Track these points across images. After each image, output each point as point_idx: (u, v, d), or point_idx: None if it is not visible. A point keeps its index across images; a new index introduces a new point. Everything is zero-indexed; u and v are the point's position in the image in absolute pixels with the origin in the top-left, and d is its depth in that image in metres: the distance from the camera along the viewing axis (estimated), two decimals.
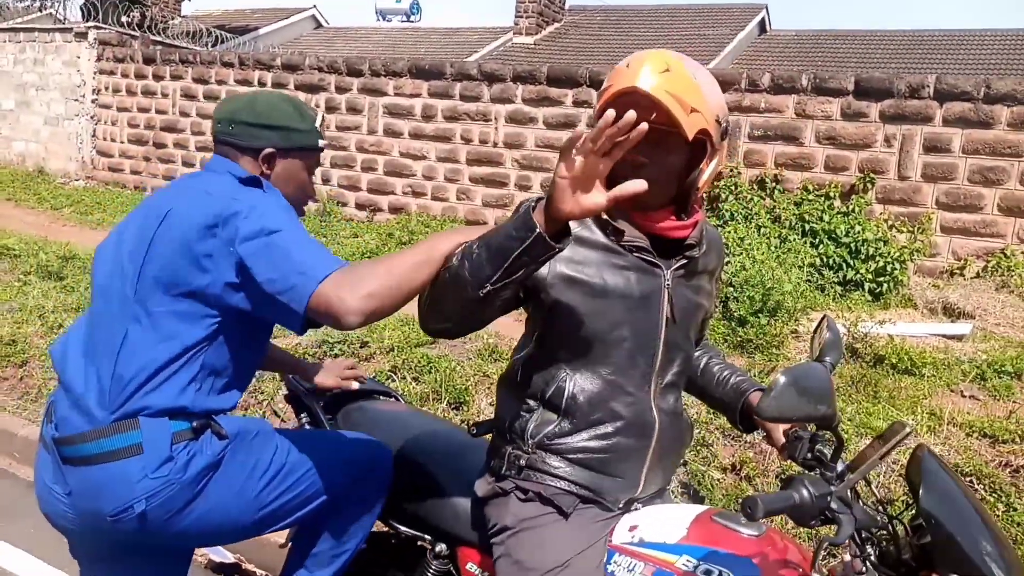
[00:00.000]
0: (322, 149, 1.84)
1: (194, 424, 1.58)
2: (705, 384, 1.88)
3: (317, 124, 1.79)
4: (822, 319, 1.62)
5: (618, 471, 1.59)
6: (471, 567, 1.74)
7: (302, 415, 2.17)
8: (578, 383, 1.56)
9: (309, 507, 1.80)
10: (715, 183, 7.64)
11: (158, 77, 11.09)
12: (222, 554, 3.29)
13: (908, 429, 1.36)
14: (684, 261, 1.59)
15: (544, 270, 1.47)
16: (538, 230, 1.28)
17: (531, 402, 1.60)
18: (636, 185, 1.26)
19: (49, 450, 1.61)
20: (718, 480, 3.43)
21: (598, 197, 1.27)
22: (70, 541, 1.73)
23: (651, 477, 1.64)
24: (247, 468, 1.65)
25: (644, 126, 1.21)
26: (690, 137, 1.44)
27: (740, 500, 1.29)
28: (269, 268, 1.48)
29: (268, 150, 1.74)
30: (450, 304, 1.43)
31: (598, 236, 1.54)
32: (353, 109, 9.70)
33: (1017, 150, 6.62)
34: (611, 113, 1.18)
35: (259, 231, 1.51)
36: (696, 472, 3.45)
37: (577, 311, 1.53)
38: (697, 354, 1.91)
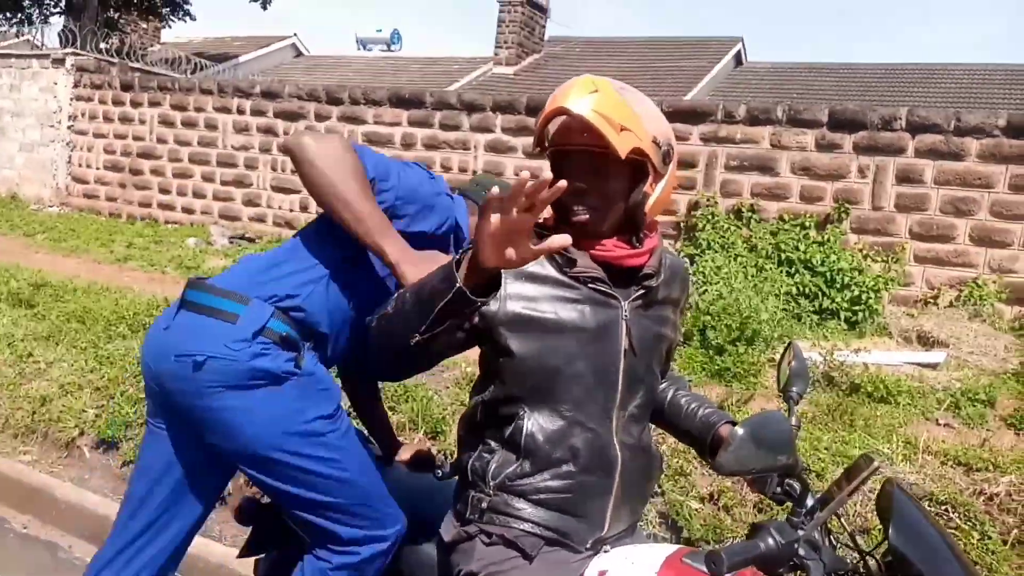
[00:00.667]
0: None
1: (286, 334, 1.68)
2: (672, 416, 1.84)
3: None
4: (787, 346, 1.62)
5: (582, 510, 1.56)
6: None
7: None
8: (536, 421, 1.53)
9: (307, 496, 1.75)
10: (692, 212, 7.71)
11: (136, 104, 11.05)
12: None
13: (875, 463, 1.35)
14: (642, 291, 1.57)
15: (495, 307, 1.47)
16: (457, 285, 1.26)
17: (492, 443, 1.58)
18: (561, 240, 1.21)
19: (176, 302, 1.77)
20: (696, 510, 3.41)
21: (524, 251, 1.23)
22: (148, 394, 1.83)
23: (617, 515, 1.60)
24: (295, 406, 1.69)
25: (562, 183, 1.18)
26: (623, 156, 1.42)
27: (704, 555, 1.27)
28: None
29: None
30: (388, 352, 1.43)
31: (550, 271, 1.52)
32: None
33: (987, 181, 6.75)
34: (525, 174, 1.16)
35: None
36: (674, 502, 3.43)
37: (531, 349, 1.50)
38: (663, 386, 1.88)
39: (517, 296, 1.49)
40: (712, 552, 1.22)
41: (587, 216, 1.50)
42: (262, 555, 2.27)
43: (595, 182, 1.48)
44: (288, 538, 2.21)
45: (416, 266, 1.60)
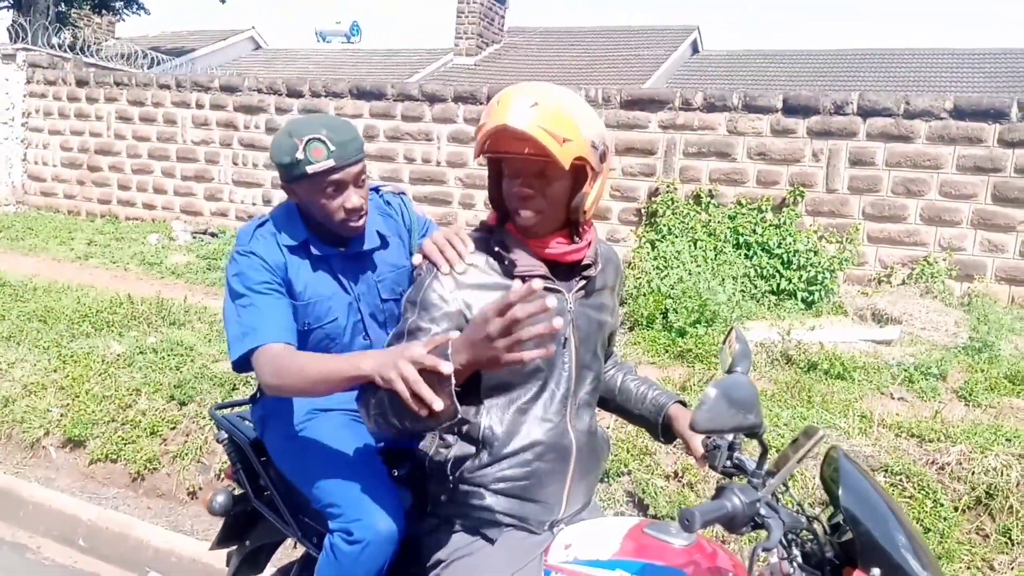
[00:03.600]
0: (318, 174, 1.79)
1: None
2: (623, 402, 1.93)
3: (298, 155, 1.77)
4: (730, 331, 1.69)
5: (540, 496, 1.63)
6: None
7: (234, 456, 2.14)
8: (494, 415, 1.59)
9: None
10: (652, 199, 7.82)
11: (92, 100, 10.85)
12: None
13: (821, 433, 1.43)
14: (583, 282, 1.64)
15: (444, 327, 1.53)
16: (438, 428, 1.44)
17: (448, 437, 1.64)
18: (546, 351, 1.30)
19: None
20: (662, 487, 3.50)
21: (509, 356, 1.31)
22: None
23: (573, 498, 1.68)
24: (277, 426, 1.99)
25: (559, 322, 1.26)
26: (566, 167, 1.48)
27: (677, 513, 1.34)
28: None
29: (283, 184, 1.89)
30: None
31: (495, 277, 1.58)
32: None
33: (936, 163, 6.95)
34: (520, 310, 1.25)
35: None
36: (640, 480, 3.52)
37: None
38: (611, 372, 1.97)
39: (469, 306, 1.55)
40: (686, 510, 1.29)
41: (534, 219, 1.56)
42: (234, 547, 2.31)
43: (539, 186, 1.53)
44: (258, 529, 2.25)
45: (384, 360, 1.50)
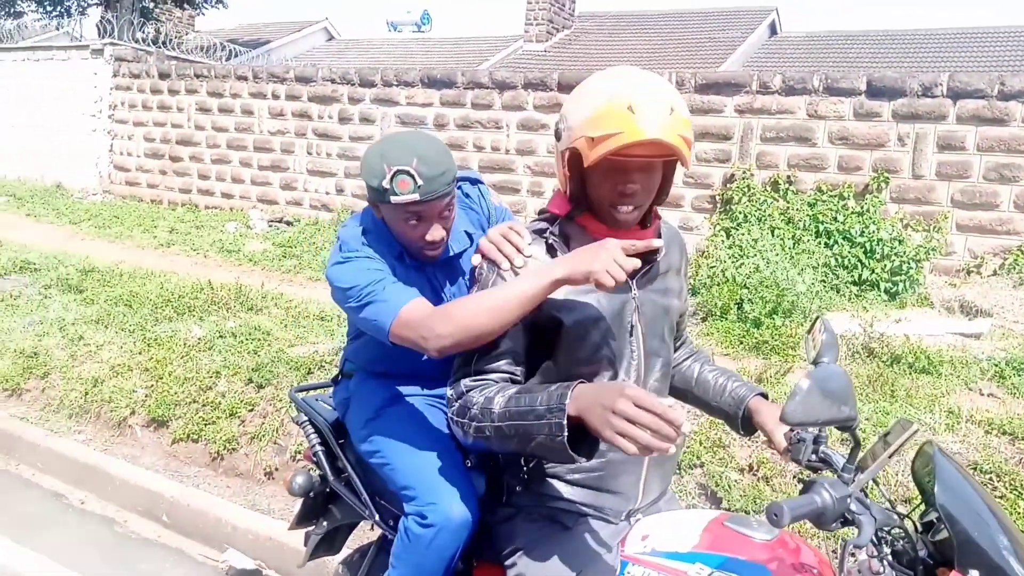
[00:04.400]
0: (402, 204, 1.73)
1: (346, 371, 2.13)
2: (702, 393, 1.88)
3: (384, 183, 1.71)
4: (815, 320, 1.62)
5: (615, 486, 1.61)
6: None
7: (313, 437, 2.17)
8: None
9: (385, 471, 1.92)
10: (727, 185, 7.64)
11: (173, 92, 11.22)
12: (243, 560, 3.33)
13: (915, 426, 1.36)
14: (647, 268, 1.60)
15: (517, 325, 1.53)
16: (570, 455, 1.36)
17: None
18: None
19: None
20: (735, 481, 3.42)
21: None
22: None
23: (649, 487, 1.65)
24: (358, 409, 2.04)
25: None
26: (689, 167, 1.51)
27: (765, 507, 1.29)
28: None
29: (369, 200, 1.84)
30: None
31: None
32: (366, 119, 9.77)
33: None
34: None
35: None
36: (713, 473, 3.45)
37: (560, 348, 1.56)
38: (687, 361, 1.93)
39: (547, 301, 1.53)
40: (774, 504, 1.24)
41: (637, 214, 1.55)
42: (311, 527, 2.35)
43: (645, 182, 1.51)
44: (336, 510, 2.28)
45: (578, 258, 1.50)
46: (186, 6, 20.00)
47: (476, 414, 1.45)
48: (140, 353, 4.82)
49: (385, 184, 1.71)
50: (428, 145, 1.77)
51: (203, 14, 21.02)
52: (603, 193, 1.51)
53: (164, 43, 12.82)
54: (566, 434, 1.32)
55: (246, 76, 10.63)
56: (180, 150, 11.20)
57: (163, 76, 11.28)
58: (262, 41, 20.24)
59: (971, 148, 6.80)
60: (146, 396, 4.43)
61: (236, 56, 15.34)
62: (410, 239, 1.81)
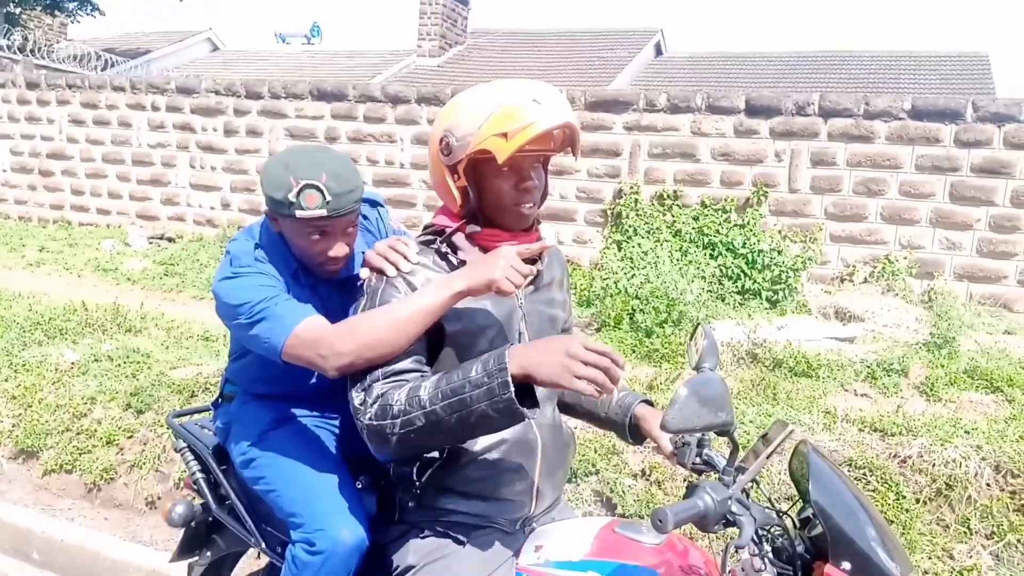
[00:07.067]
0: (307, 219, 1.68)
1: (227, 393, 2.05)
2: (588, 405, 1.90)
3: (291, 196, 1.65)
4: (696, 327, 1.67)
5: (508, 494, 1.60)
6: None
7: (193, 465, 2.08)
8: None
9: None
10: (617, 200, 7.84)
11: (43, 103, 10.58)
12: None
13: (791, 427, 1.42)
14: (531, 277, 1.61)
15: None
16: (521, 412, 1.34)
17: None
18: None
19: None
20: (629, 487, 3.49)
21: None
22: None
23: (542, 494, 1.65)
24: (240, 434, 1.96)
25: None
26: (578, 157, 1.58)
27: (649, 513, 1.31)
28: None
29: (268, 212, 1.77)
30: (408, 452, 1.49)
31: (445, 275, 1.55)
32: (253, 132, 9.50)
33: (895, 162, 7.06)
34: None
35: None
36: (608, 480, 3.50)
37: (447, 355, 1.55)
38: None
39: None
40: (658, 510, 1.27)
41: (534, 209, 1.58)
42: (195, 558, 2.24)
43: (539, 178, 1.58)
44: (220, 539, 2.18)
45: (478, 269, 1.50)
46: (57, 13, 18.96)
47: (403, 408, 1.39)
48: (6, 380, 4.49)
49: (291, 197, 1.66)
50: (337, 161, 1.73)
51: (77, 21, 20.02)
52: (505, 193, 1.53)
53: (32, 51, 12.10)
54: (512, 390, 1.30)
55: (123, 87, 10.14)
56: (51, 164, 10.57)
57: (31, 86, 10.62)
58: (141, 51, 19.39)
59: (841, 163, 7.23)
60: (13, 426, 4.13)
61: (113, 66, 14.63)
62: (311, 254, 1.76)
